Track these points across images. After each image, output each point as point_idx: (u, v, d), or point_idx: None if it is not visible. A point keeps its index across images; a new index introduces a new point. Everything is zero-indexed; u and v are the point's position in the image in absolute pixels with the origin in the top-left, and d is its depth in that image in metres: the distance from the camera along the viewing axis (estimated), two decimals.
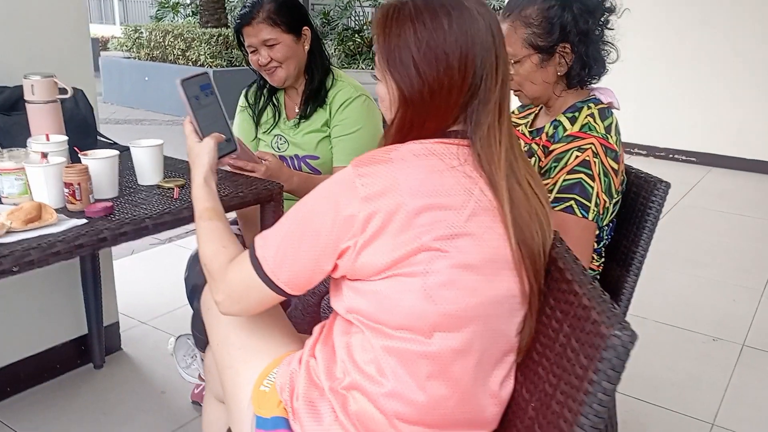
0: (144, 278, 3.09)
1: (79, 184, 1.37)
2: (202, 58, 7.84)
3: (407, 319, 0.98)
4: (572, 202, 1.42)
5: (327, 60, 2.03)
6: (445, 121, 1.04)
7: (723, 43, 5.32)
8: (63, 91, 1.59)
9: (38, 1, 1.95)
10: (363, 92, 1.99)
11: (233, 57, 7.98)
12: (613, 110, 1.56)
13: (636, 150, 5.89)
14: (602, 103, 1.53)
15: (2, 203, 1.41)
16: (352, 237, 0.97)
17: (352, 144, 1.95)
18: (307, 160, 2.00)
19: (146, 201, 1.47)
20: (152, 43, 8.54)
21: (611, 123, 1.49)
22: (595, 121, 1.47)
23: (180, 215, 1.41)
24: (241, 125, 2.13)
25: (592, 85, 1.59)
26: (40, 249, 1.20)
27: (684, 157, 5.65)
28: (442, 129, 1.04)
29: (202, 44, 7.88)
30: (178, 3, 11.44)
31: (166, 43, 8.33)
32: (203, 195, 1.18)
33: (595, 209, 1.43)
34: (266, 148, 2.07)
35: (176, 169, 1.76)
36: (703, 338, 2.67)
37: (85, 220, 1.32)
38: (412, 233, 0.95)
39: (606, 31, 1.53)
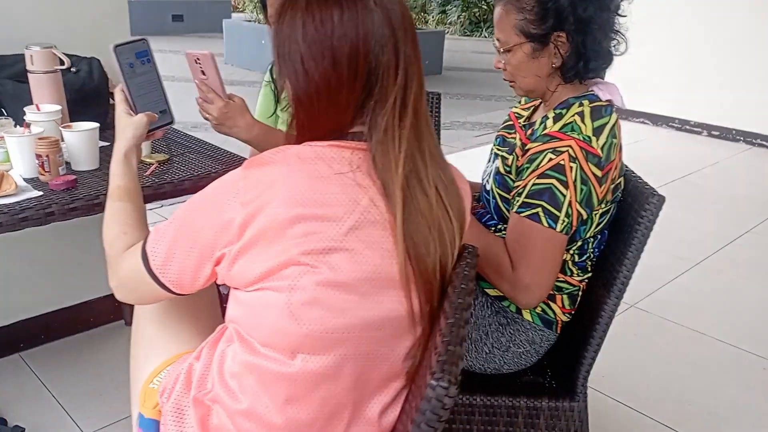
0: None
1: (47, 156, 1.41)
2: None
3: (271, 336, 0.92)
4: (539, 209, 1.27)
5: None
6: (339, 122, 0.95)
7: None
8: (62, 62, 1.63)
9: None
10: None
11: None
12: (615, 109, 1.37)
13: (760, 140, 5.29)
14: (600, 100, 1.35)
15: None
16: (228, 244, 0.92)
17: None
18: None
19: None
20: None
21: (604, 124, 1.31)
22: (582, 121, 1.30)
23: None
24: (263, 99, 2.11)
25: (597, 79, 1.42)
26: None
27: None
28: (338, 130, 0.95)
29: None
30: None
31: None
32: (119, 172, 1.15)
33: (566, 220, 1.27)
34: (283, 126, 2.04)
35: (174, 142, 1.78)
36: (763, 363, 2.37)
37: (40, 193, 1.36)
38: (284, 245, 0.88)
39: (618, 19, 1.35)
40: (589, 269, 1.42)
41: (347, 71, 0.91)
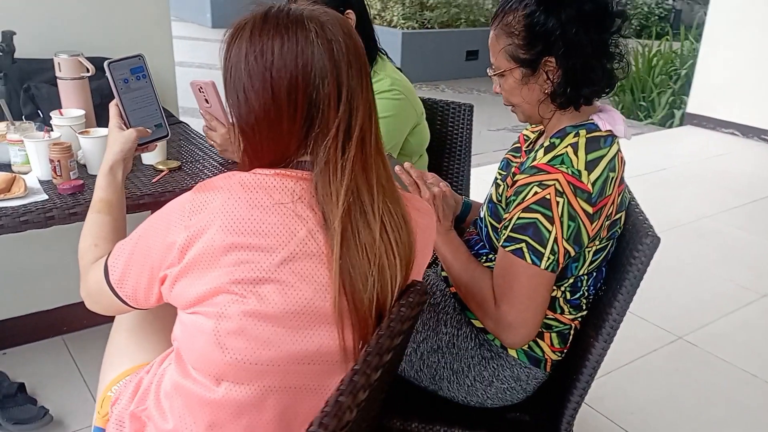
0: None
1: (59, 160, 1.49)
2: (395, 18, 7.91)
3: (199, 361, 0.93)
4: (523, 244, 1.21)
5: (375, 46, 1.96)
6: (283, 152, 0.94)
7: None
8: (88, 69, 1.71)
9: None
10: (397, 87, 1.88)
11: (426, 19, 7.96)
12: (616, 140, 1.28)
13: None
14: (599, 129, 1.27)
15: (12, 170, 1.58)
16: (170, 266, 0.93)
17: None
18: None
19: (127, 182, 1.54)
20: None
21: (601, 156, 1.23)
22: (575, 153, 1.23)
23: (139, 201, 1.47)
24: None
25: (600, 106, 1.33)
26: None
27: None
28: (283, 159, 0.95)
29: (397, 4, 7.96)
30: None
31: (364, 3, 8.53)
32: (103, 185, 1.18)
33: (552, 257, 1.20)
34: None
35: (195, 148, 1.82)
36: None
37: (46, 196, 1.43)
38: (217, 272, 0.89)
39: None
40: (584, 307, 1.34)
41: (287, 103, 0.90)
